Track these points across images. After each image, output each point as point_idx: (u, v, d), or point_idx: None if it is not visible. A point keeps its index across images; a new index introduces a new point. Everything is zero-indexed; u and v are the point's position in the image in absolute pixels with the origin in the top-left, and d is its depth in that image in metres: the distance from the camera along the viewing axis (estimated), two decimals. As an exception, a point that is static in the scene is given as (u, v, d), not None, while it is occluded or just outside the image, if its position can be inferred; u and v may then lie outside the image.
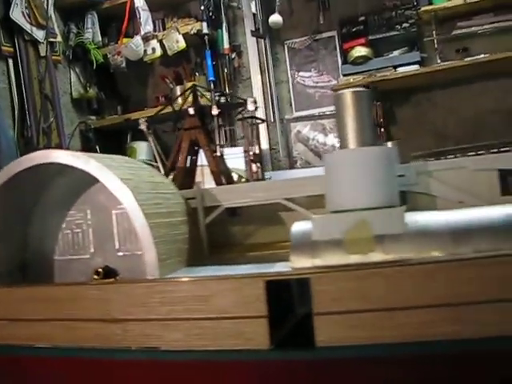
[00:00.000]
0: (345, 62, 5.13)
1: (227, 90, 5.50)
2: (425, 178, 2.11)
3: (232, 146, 5.22)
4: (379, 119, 5.03)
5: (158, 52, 5.48)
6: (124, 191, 2.00)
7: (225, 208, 2.32)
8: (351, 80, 4.90)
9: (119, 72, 5.79)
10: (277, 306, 1.83)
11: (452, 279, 1.62)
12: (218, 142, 2.81)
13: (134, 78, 5.95)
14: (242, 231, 2.45)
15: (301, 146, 5.32)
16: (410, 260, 1.70)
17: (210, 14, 5.39)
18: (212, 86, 5.39)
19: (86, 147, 5.52)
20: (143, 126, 2.76)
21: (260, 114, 5.45)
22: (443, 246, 1.70)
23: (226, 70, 5.48)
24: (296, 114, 5.39)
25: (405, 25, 5.09)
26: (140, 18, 5.42)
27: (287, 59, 5.45)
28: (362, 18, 5.16)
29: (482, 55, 4.68)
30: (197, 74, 5.60)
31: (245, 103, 2.97)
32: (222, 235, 2.48)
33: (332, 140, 5.24)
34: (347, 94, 1.85)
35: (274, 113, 5.40)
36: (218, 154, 2.67)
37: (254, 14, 5.45)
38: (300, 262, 1.82)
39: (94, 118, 5.78)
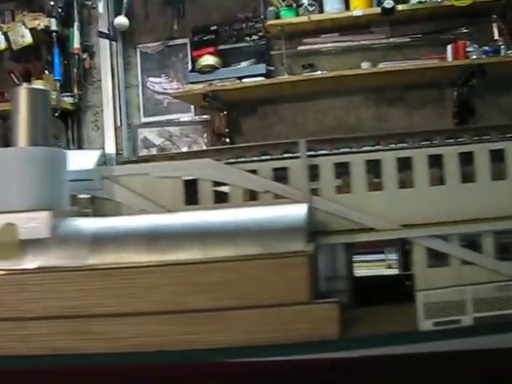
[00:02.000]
0: (193, 69, 5.07)
1: (76, 91, 5.33)
2: (110, 183, 2.03)
3: None
4: (223, 129, 5.00)
5: (2, 45, 5.21)
6: None
7: None
8: (194, 88, 4.84)
9: (-36, 63, 5.48)
10: None
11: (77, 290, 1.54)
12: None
13: (-20, 71, 5.64)
14: None
15: (146, 152, 5.21)
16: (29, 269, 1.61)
17: (60, 10, 5.19)
18: (58, 85, 5.18)
19: None
20: None
21: (108, 117, 5.32)
22: (79, 254, 1.62)
23: (75, 71, 5.29)
24: (144, 120, 5.28)
25: (254, 37, 5.11)
26: (-16, 7, 5.16)
27: (139, 63, 5.34)
28: (214, 28, 5.13)
29: (319, 72, 4.76)
30: (46, 71, 5.38)
31: None
32: None
33: (178, 147, 5.16)
34: (21, 91, 1.75)
35: (121, 117, 5.26)
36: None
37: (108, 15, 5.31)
38: None
39: None
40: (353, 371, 1.66)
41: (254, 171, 2.09)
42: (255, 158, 2.22)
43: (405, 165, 2.07)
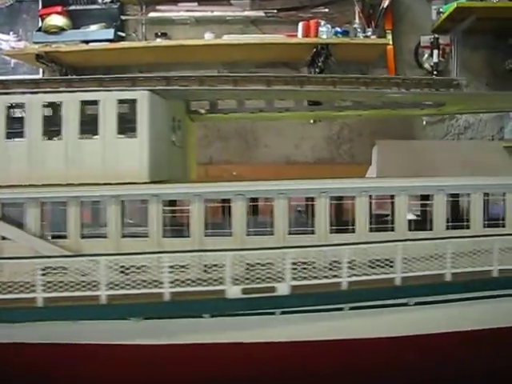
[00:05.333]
0: (41, 29, 4.80)
1: None
2: None
3: None
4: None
5: None
6: None
7: None
8: (29, 48, 4.58)
9: None
10: None
11: None
12: None
13: None
14: None
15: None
16: None
17: None
18: None
19: None
20: None
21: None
22: None
23: None
24: (-12, 79, 4.97)
25: (106, 0, 4.87)
26: None
27: (-14, 18, 5.03)
28: (67, -14, 4.87)
29: (160, 39, 4.57)
30: None
31: None
32: None
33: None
34: None
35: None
36: None
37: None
38: None
39: None
40: None
41: None
42: None
43: None
